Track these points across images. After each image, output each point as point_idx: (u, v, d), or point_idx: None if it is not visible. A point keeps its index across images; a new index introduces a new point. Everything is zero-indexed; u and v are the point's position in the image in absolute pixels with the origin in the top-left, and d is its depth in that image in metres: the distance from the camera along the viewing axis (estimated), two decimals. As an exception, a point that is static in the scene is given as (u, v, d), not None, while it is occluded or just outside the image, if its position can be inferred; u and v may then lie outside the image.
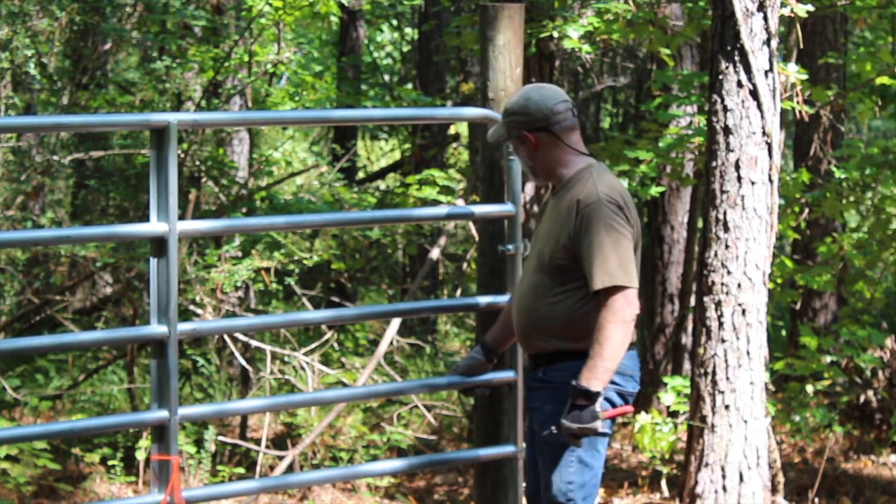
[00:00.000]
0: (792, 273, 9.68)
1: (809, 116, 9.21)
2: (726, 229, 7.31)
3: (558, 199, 5.24)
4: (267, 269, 9.50)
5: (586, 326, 5.07)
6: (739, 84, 7.25)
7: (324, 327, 10.54)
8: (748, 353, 7.33)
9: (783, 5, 7.59)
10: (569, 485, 5.19)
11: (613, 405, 5.18)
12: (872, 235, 9.71)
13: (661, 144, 9.27)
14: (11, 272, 10.58)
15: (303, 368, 9.79)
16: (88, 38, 11.39)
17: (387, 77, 17.47)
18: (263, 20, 10.16)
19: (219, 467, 9.07)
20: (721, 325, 7.33)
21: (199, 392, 10.73)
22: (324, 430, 9.23)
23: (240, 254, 9.65)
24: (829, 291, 10.89)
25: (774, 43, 7.29)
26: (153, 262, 5.15)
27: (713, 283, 7.34)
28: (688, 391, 8.52)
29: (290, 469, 8.78)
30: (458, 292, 12.39)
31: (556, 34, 8.48)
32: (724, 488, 7.33)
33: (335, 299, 13.08)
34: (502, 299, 5.77)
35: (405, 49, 17.21)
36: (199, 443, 9.12)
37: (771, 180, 7.32)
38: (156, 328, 5.15)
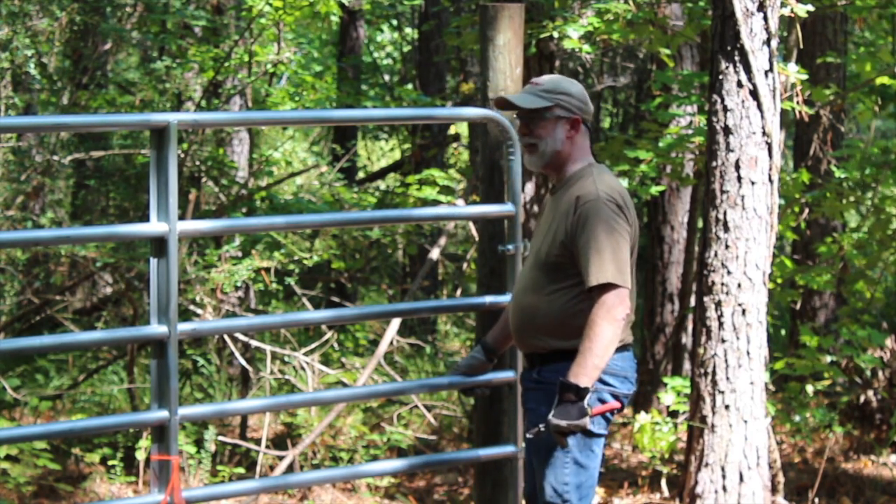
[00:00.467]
0: (792, 273, 9.68)
1: (809, 116, 9.21)
2: (726, 229, 7.31)
3: (558, 196, 5.25)
4: (267, 269, 9.50)
5: (581, 325, 5.06)
6: (739, 84, 7.25)
7: (324, 327, 10.54)
8: (748, 353, 7.33)
9: (783, 5, 7.59)
10: (564, 486, 5.19)
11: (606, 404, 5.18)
12: (872, 235, 9.72)
13: (661, 144, 9.27)
14: (11, 272, 10.58)
15: (303, 368, 9.79)
16: (88, 38, 11.39)
17: (387, 77, 17.47)
18: (263, 20, 10.16)
19: (219, 467, 9.07)
20: (721, 325, 7.33)
21: (199, 392, 10.73)
22: (324, 430, 9.23)
23: (240, 254, 9.65)
24: (830, 291, 10.89)
25: (774, 43, 7.29)
26: (153, 262, 5.15)
27: (713, 283, 7.34)
28: (688, 391, 8.52)
29: (290, 469, 8.78)
30: (458, 292, 12.39)
31: (556, 34, 8.49)
32: (724, 488, 7.33)
33: (335, 299, 13.08)
34: (502, 299, 5.77)
35: (405, 49, 17.21)
36: (199, 443, 9.12)
37: (771, 180, 7.33)
38: (156, 328, 5.15)
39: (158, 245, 5.14)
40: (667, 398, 8.88)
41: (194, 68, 10.56)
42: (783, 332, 12.51)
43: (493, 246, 6.00)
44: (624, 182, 9.22)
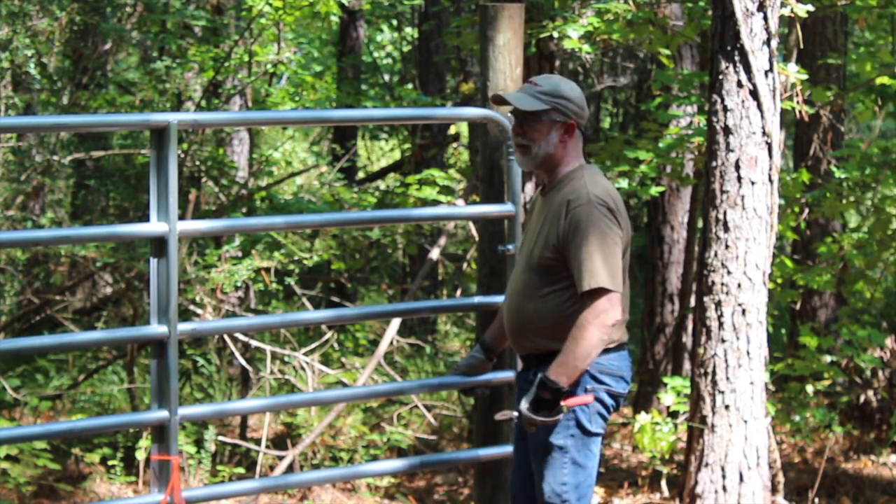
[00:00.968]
0: (792, 273, 9.68)
1: (809, 116, 9.21)
2: (726, 229, 7.31)
3: (548, 197, 5.26)
4: (267, 269, 9.50)
5: (571, 326, 5.08)
6: (739, 84, 7.25)
7: (324, 327, 10.54)
8: (748, 353, 7.33)
9: (783, 5, 7.59)
10: (563, 486, 5.20)
11: (605, 405, 5.20)
12: (872, 235, 9.71)
13: (661, 144, 9.27)
14: (11, 272, 10.58)
15: (303, 368, 9.79)
16: (88, 38, 11.39)
17: (387, 77, 17.47)
18: (263, 20, 10.16)
19: (219, 467, 9.08)
20: (721, 325, 7.33)
21: (199, 392, 10.73)
22: (324, 430, 9.23)
23: (240, 254, 9.65)
24: (830, 291, 10.89)
25: (774, 43, 7.29)
26: (153, 262, 5.15)
27: (713, 283, 7.34)
28: (688, 391, 8.52)
29: (290, 469, 8.78)
30: (458, 292, 12.39)
31: (556, 34, 8.49)
32: (724, 488, 7.33)
33: (335, 299, 13.08)
34: (502, 299, 5.77)
35: (405, 49, 17.22)
36: (199, 443, 9.12)
37: (771, 180, 7.32)
38: (156, 328, 5.15)
39: (158, 245, 5.14)
40: (667, 398, 8.88)
41: (194, 68, 10.56)
42: (783, 332, 12.52)
43: (493, 246, 6.00)
44: (624, 182, 9.22)
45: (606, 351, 5.17)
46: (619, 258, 5.08)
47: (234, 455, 9.64)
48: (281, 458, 8.85)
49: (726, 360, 7.33)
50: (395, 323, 9.15)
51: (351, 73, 15.41)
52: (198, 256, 9.95)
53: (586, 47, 8.54)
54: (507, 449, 5.82)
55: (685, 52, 10.83)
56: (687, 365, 10.25)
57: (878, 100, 9.99)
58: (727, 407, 7.33)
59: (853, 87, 10.55)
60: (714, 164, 7.35)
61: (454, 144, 15.53)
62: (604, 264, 5.04)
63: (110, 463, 9.05)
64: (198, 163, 10.39)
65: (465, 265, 12.85)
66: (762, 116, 7.26)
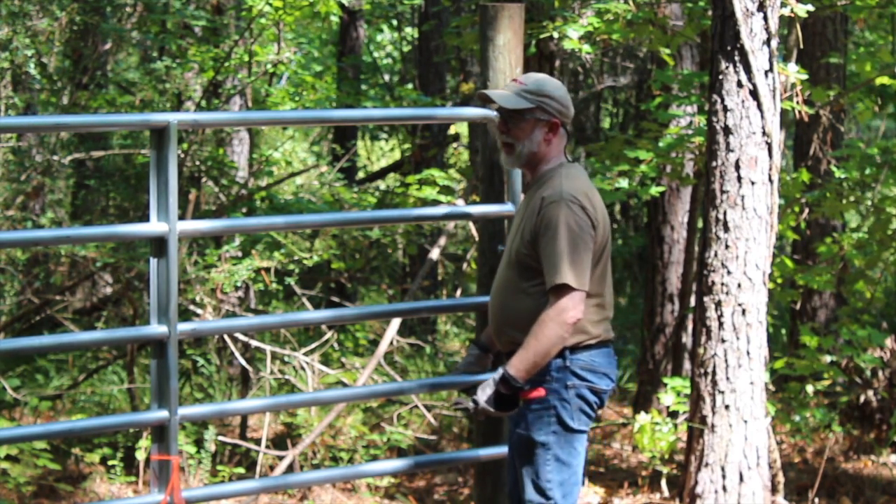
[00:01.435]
0: (792, 273, 9.68)
1: (809, 116, 9.20)
2: (726, 229, 7.31)
3: (529, 195, 5.32)
4: (267, 269, 9.50)
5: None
6: (739, 84, 7.25)
7: (324, 327, 10.54)
8: (748, 353, 7.33)
9: (783, 5, 7.59)
10: (547, 483, 5.22)
11: (587, 402, 5.22)
12: (872, 235, 9.71)
13: (661, 144, 9.27)
14: (11, 272, 10.58)
15: (303, 368, 9.79)
16: (88, 38, 11.39)
17: (387, 77, 17.47)
18: (263, 20, 10.16)
19: (219, 467, 9.07)
20: (721, 325, 7.33)
21: (199, 392, 10.73)
22: (324, 430, 9.23)
23: (240, 254, 9.65)
24: (830, 291, 10.89)
25: (774, 43, 7.29)
26: (153, 262, 5.15)
27: (713, 283, 7.34)
28: (688, 391, 8.52)
29: (290, 469, 8.78)
30: (458, 292, 12.39)
31: (556, 34, 8.48)
32: (724, 488, 7.33)
33: (335, 299, 13.08)
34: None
35: (405, 49, 17.22)
36: (199, 443, 9.12)
37: (771, 180, 7.32)
38: (156, 328, 5.15)
39: (158, 245, 5.14)
40: (667, 398, 8.88)
41: (194, 68, 10.56)
42: (783, 332, 12.52)
43: (493, 246, 6.00)
44: (624, 182, 9.22)
45: (588, 347, 5.22)
46: (589, 257, 5.11)
47: (234, 455, 9.64)
48: (281, 458, 8.85)
49: (726, 360, 7.34)
50: (395, 323, 9.15)
51: (351, 73, 15.41)
52: (198, 256, 9.95)
53: (586, 47, 8.54)
54: (507, 448, 5.81)
55: (685, 52, 10.83)
56: (687, 365, 10.25)
57: (878, 100, 9.99)
58: (727, 407, 7.33)
59: (853, 87, 10.55)
60: (714, 164, 7.35)
61: (454, 144, 15.53)
62: (570, 262, 5.07)
63: (110, 463, 9.05)
64: (198, 163, 10.39)
65: (465, 265, 12.85)
66: (762, 116, 7.25)
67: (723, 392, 7.34)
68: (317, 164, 15.32)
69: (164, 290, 5.13)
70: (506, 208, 5.87)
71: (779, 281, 9.74)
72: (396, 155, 17.76)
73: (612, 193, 9.25)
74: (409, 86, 15.59)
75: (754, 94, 7.24)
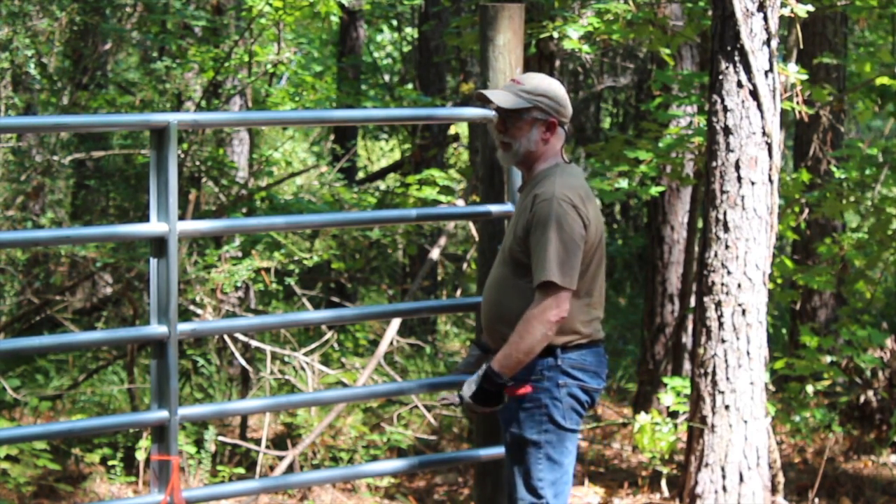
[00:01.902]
0: (792, 273, 9.68)
1: (809, 116, 9.20)
2: (726, 229, 7.31)
3: (524, 194, 5.34)
4: (267, 269, 9.50)
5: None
6: (739, 84, 7.25)
7: (324, 327, 10.54)
8: (748, 353, 7.33)
9: (783, 5, 7.59)
10: (539, 482, 5.23)
11: (579, 401, 5.24)
12: (872, 235, 9.71)
13: (661, 144, 9.27)
14: (11, 272, 10.58)
15: (303, 368, 9.79)
16: (88, 38, 11.39)
17: (387, 77, 17.47)
18: (263, 20, 10.16)
19: (219, 467, 9.07)
20: (721, 325, 7.33)
21: (199, 392, 10.73)
22: (324, 430, 9.22)
23: (240, 254, 9.65)
24: (830, 291, 10.89)
25: (774, 43, 7.29)
26: (153, 262, 5.15)
27: (713, 283, 7.34)
28: (688, 391, 8.52)
29: (290, 469, 8.78)
30: (458, 292, 12.39)
31: (556, 34, 8.48)
32: (724, 488, 7.33)
33: (335, 299, 13.08)
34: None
35: (405, 49, 17.22)
36: (199, 443, 9.12)
37: (771, 180, 7.32)
38: (156, 328, 5.15)
39: (158, 245, 5.14)
40: (667, 398, 8.89)
41: (194, 68, 10.56)
42: (783, 332, 12.52)
43: (493, 246, 6.00)
44: (624, 182, 9.22)
45: (579, 347, 5.24)
46: (578, 256, 5.13)
47: (234, 455, 9.63)
48: (281, 458, 8.85)
49: (726, 360, 7.34)
50: (395, 323, 9.15)
51: (351, 73, 15.41)
52: (198, 256, 9.95)
53: (586, 47, 8.54)
54: (507, 449, 5.82)
55: (685, 52, 10.83)
56: (687, 365, 10.25)
57: (878, 100, 9.99)
58: (727, 407, 7.33)
59: (853, 87, 10.54)
60: (714, 164, 7.35)
61: (454, 144, 15.52)
62: (559, 260, 5.09)
63: (110, 463, 9.05)
64: (198, 163, 10.39)
65: (465, 265, 12.85)
66: (762, 116, 7.25)
67: (723, 392, 7.34)
68: (317, 164, 15.33)
69: (164, 290, 5.13)
70: (506, 208, 5.87)
71: (779, 281, 9.74)
72: (396, 155, 17.76)
73: (612, 193, 9.25)
74: (409, 86, 15.59)
75: (754, 94, 7.24)
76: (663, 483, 8.71)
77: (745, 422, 7.32)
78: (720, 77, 7.29)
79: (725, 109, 7.29)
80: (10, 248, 9.71)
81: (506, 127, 5.33)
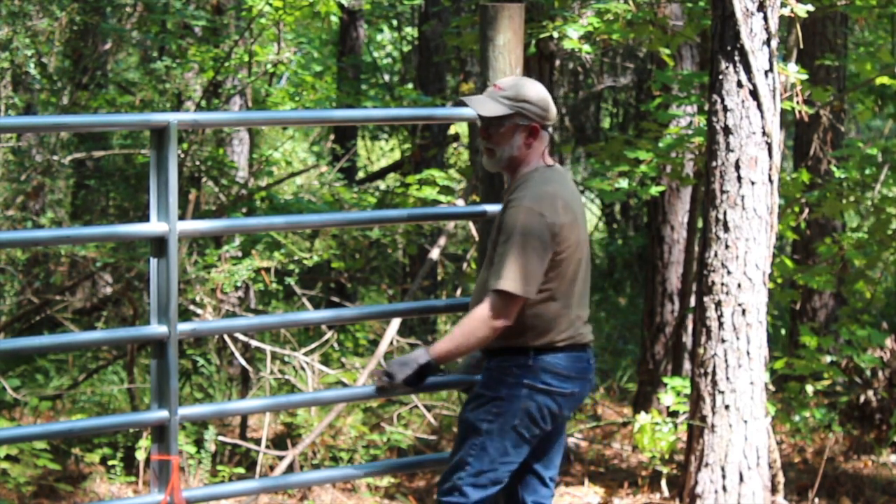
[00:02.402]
0: (792, 273, 9.68)
1: (809, 116, 9.20)
2: (726, 229, 7.31)
3: (506, 197, 5.37)
4: (267, 269, 9.50)
5: (520, 323, 5.19)
6: (739, 84, 7.25)
7: (324, 327, 10.53)
8: (748, 353, 7.33)
9: (783, 5, 7.59)
10: (465, 466, 5.26)
11: (538, 406, 5.23)
12: (872, 235, 9.71)
13: (661, 144, 9.27)
14: (11, 272, 10.58)
15: (303, 368, 9.78)
16: (88, 38, 11.39)
17: (387, 77, 17.47)
18: (263, 20, 10.15)
19: (219, 467, 9.07)
20: (721, 325, 7.33)
21: (199, 392, 10.73)
22: (324, 430, 9.22)
23: (240, 254, 9.65)
24: (830, 291, 10.89)
25: (774, 43, 7.29)
26: (153, 262, 5.15)
27: (713, 283, 7.34)
28: (688, 391, 8.52)
29: (290, 469, 8.78)
30: (458, 292, 12.38)
31: (556, 34, 8.48)
32: (724, 488, 7.33)
33: (335, 299, 13.08)
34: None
35: (405, 49, 17.22)
36: (199, 443, 9.12)
37: (771, 180, 7.32)
38: (156, 328, 5.15)
39: (158, 245, 5.14)
40: (667, 398, 8.88)
41: (194, 68, 10.55)
42: (783, 332, 12.52)
43: (492, 246, 6.00)
44: (624, 182, 9.22)
45: (555, 350, 5.24)
46: (539, 265, 5.13)
47: (234, 455, 9.63)
48: (281, 458, 8.85)
49: (726, 360, 7.33)
50: (395, 323, 9.14)
51: (351, 73, 15.41)
52: (198, 256, 9.94)
53: (586, 47, 8.54)
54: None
55: (685, 52, 10.83)
56: (687, 365, 10.25)
57: (878, 100, 9.99)
58: (727, 407, 7.33)
59: (853, 87, 10.54)
60: (714, 164, 7.35)
61: (454, 144, 15.53)
62: (515, 268, 5.12)
63: (110, 463, 9.05)
64: (198, 163, 10.39)
65: (465, 265, 12.84)
66: (762, 116, 7.25)
67: (723, 392, 7.34)
68: (317, 164, 15.32)
69: (164, 290, 5.13)
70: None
71: (779, 281, 9.74)
72: (396, 155, 17.76)
73: (612, 193, 9.25)
74: (409, 86, 15.59)
75: (754, 94, 7.24)
76: (663, 483, 8.71)
77: (745, 422, 7.32)
78: (720, 77, 7.29)
79: (725, 109, 7.29)
80: (10, 248, 9.70)
81: (489, 133, 5.34)
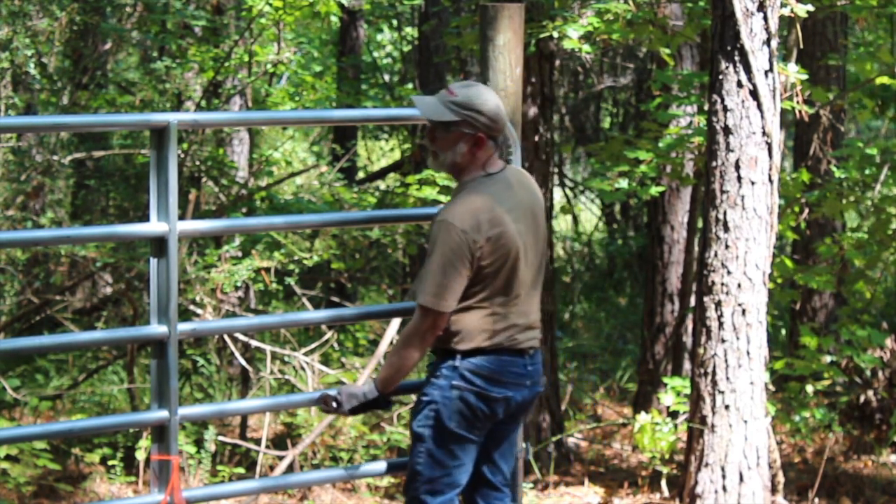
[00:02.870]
0: (792, 273, 9.68)
1: (809, 116, 9.20)
2: (726, 229, 7.31)
3: (440, 209, 5.42)
4: (267, 269, 9.50)
5: (446, 330, 5.25)
6: (739, 84, 7.25)
7: (324, 327, 10.53)
8: (748, 353, 7.33)
9: (783, 5, 7.59)
10: (417, 476, 5.31)
11: (470, 406, 5.27)
12: (872, 235, 9.71)
13: (661, 144, 9.27)
14: (11, 272, 10.58)
15: (303, 368, 9.78)
16: (88, 38, 11.39)
17: (387, 77, 17.47)
18: (263, 20, 10.15)
19: (219, 467, 9.07)
20: (721, 325, 7.33)
21: (199, 392, 10.73)
22: (324, 430, 9.22)
23: (240, 254, 9.65)
24: (830, 291, 10.88)
25: (774, 43, 7.29)
26: (153, 262, 5.15)
27: (713, 283, 7.34)
28: (688, 391, 8.52)
29: (290, 469, 8.78)
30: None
31: (556, 34, 8.48)
32: (724, 488, 7.33)
33: (335, 299, 13.08)
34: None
35: (405, 49, 17.21)
36: (199, 443, 9.12)
37: (771, 180, 7.32)
38: (156, 328, 5.15)
39: (158, 245, 5.14)
40: (667, 398, 8.89)
41: (194, 68, 10.55)
42: (783, 332, 12.52)
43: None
44: (624, 182, 9.21)
45: (483, 353, 5.26)
46: (457, 280, 5.16)
47: (234, 455, 9.63)
48: (281, 458, 8.85)
49: (726, 360, 7.33)
50: (395, 323, 9.14)
51: (351, 73, 15.40)
52: (198, 256, 9.94)
53: (586, 47, 8.53)
54: (507, 449, 5.81)
55: (685, 52, 10.83)
56: (687, 365, 10.25)
57: (878, 100, 9.98)
58: (727, 407, 7.33)
59: (853, 87, 10.53)
60: (714, 164, 7.35)
61: (454, 144, 15.48)
62: (435, 284, 5.17)
63: (110, 463, 9.05)
64: (198, 163, 10.38)
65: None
66: (762, 116, 7.25)
67: (723, 392, 7.34)
68: (317, 164, 15.32)
69: (164, 290, 5.13)
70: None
71: (779, 281, 9.74)
72: (396, 155, 17.75)
73: (612, 193, 9.24)
74: (409, 86, 15.58)
75: (754, 94, 7.24)
76: (663, 483, 8.71)
77: (745, 422, 7.32)
78: (720, 77, 7.29)
79: (725, 109, 7.29)
80: (10, 247, 9.70)
81: (434, 137, 5.35)
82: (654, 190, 9.52)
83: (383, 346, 8.95)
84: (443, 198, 9.49)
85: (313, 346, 9.88)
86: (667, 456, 8.70)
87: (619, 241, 17.35)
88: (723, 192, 7.31)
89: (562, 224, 19.12)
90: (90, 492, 8.86)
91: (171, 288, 5.11)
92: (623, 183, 9.20)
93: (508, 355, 5.30)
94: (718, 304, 7.33)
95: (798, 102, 8.48)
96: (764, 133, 7.27)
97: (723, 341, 7.33)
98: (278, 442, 9.92)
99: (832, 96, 9.74)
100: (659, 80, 9.86)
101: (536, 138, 9.39)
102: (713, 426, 7.34)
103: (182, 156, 10.09)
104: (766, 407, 7.45)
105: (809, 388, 9.47)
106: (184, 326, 5.22)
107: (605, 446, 10.14)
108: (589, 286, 16.42)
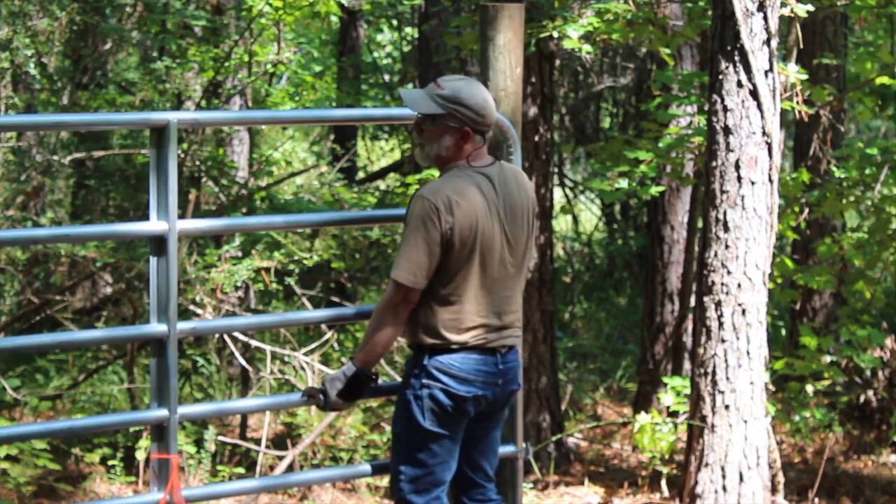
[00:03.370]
0: (792, 273, 9.68)
1: (809, 116, 9.20)
2: (726, 229, 7.31)
3: None
4: (267, 269, 9.50)
5: (414, 319, 5.27)
6: (739, 84, 7.25)
7: (324, 327, 10.53)
8: (748, 353, 7.33)
9: (783, 5, 7.59)
10: (400, 476, 5.34)
11: (440, 404, 5.27)
12: (872, 235, 9.71)
13: (661, 144, 9.27)
14: (11, 272, 10.58)
15: (303, 368, 9.78)
16: (88, 38, 11.40)
17: (387, 77, 17.47)
18: (263, 20, 10.15)
19: (219, 467, 9.07)
20: (721, 325, 7.33)
21: (199, 392, 10.73)
22: (324, 430, 9.22)
23: (240, 254, 9.65)
24: (830, 291, 10.88)
25: (774, 43, 7.29)
26: (153, 261, 5.15)
27: (713, 283, 7.34)
28: (688, 391, 8.52)
29: (290, 469, 8.78)
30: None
31: (556, 34, 8.48)
32: (724, 488, 7.33)
33: (335, 299, 13.08)
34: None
35: (405, 49, 17.21)
36: (199, 442, 9.12)
37: (771, 180, 7.32)
38: (156, 328, 5.15)
39: (158, 244, 5.14)
40: (667, 398, 8.88)
41: (194, 68, 10.55)
42: (783, 332, 12.52)
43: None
44: (624, 182, 9.21)
45: (449, 350, 5.27)
46: (424, 255, 5.15)
47: (234, 455, 9.64)
48: (281, 458, 8.85)
49: (726, 360, 7.33)
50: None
51: (351, 73, 15.41)
52: (198, 256, 9.94)
53: (586, 47, 8.53)
54: (507, 449, 5.82)
55: (685, 52, 10.83)
56: (687, 365, 10.25)
57: (878, 100, 9.98)
58: (727, 407, 7.33)
59: (853, 87, 10.54)
60: (714, 164, 7.35)
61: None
62: (405, 258, 5.18)
63: (110, 463, 9.05)
64: (198, 163, 10.38)
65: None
66: (762, 116, 7.25)
67: (723, 392, 7.34)
68: (317, 164, 15.33)
69: (163, 290, 5.13)
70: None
71: (779, 281, 9.74)
72: (396, 155, 17.76)
73: (612, 193, 9.24)
74: (409, 86, 15.58)
75: (754, 94, 7.24)
76: (663, 483, 8.71)
77: (745, 422, 7.32)
78: (720, 77, 7.29)
79: (725, 109, 7.29)
80: (10, 247, 9.70)
81: (421, 129, 5.37)
82: (654, 190, 9.52)
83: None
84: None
85: (313, 345, 9.88)
86: (667, 456, 8.70)
87: (619, 241, 17.34)
88: (723, 192, 7.31)
89: (562, 224, 19.12)
90: (90, 492, 8.86)
91: (170, 287, 5.12)
92: (623, 183, 9.20)
93: (478, 353, 5.30)
94: (718, 304, 7.33)
95: (798, 102, 8.49)
96: (764, 133, 7.27)
97: (723, 341, 7.33)
98: (278, 442, 9.92)
99: (832, 96, 9.74)
100: (659, 80, 9.86)
101: (536, 138, 9.39)
102: (713, 426, 7.34)
103: (182, 155, 10.09)
104: (766, 407, 7.45)
105: (809, 388, 9.47)
106: (183, 325, 5.23)
107: (605, 446, 10.14)
108: (589, 286, 16.43)
